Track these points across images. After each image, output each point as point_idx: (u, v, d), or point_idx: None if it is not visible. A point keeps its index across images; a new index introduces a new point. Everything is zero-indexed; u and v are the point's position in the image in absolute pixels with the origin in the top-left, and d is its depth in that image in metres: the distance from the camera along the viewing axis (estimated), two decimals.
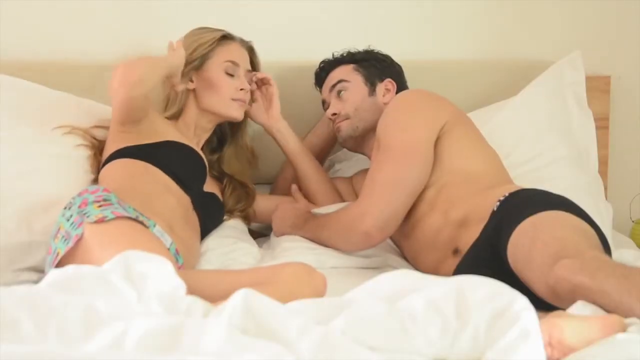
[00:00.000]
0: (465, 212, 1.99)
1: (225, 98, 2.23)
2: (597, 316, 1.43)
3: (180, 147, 2.12)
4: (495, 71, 2.69)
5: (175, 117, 2.25)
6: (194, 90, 2.24)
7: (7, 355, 1.10)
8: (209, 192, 2.21)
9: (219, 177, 2.35)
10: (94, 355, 1.18)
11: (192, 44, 2.23)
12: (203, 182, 2.20)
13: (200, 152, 2.21)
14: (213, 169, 2.34)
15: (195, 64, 2.22)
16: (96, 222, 1.76)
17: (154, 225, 1.87)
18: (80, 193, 1.90)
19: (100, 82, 2.45)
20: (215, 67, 2.23)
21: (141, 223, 1.82)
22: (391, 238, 2.23)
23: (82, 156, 2.20)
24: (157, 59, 2.12)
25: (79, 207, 1.83)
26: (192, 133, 2.25)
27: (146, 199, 1.96)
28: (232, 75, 2.24)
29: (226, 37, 2.27)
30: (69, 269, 1.44)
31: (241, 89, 2.24)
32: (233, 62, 2.24)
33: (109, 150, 2.11)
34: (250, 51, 2.34)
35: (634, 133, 2.83)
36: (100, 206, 1.80)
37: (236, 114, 2.25)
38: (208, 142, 2.33)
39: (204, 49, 2.23)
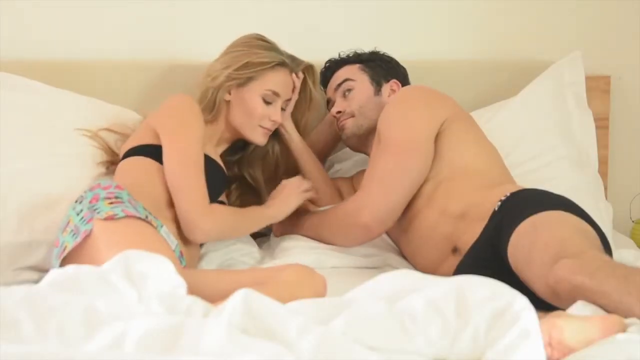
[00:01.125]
0: (464, 207, 1.99)
1: (254, 123, 2.21)
2: (597, 316, 1.43)
3: (206, 161, 2.07)
4: (495, 71, 2.69)
5: (206, 122, 2.19)
6: (228, 102, 2.22)
7: (7, 355, 1.10)
8: (218, 201, 2.19)
9: (231, 179, 2.34)
10: (94, 355, 1.18)
11: (243, 58, 2.19)
12: (220, 194, 2.18)
13: (221, 164, 2.20)
14: (230, 168, 2.33)
15: (239, 81, 2.19)
16: (106, 219, 1.76)
17: (161, 226, 1.87)
18: (92, 187, 1.90)
19: (105, 81, 2.47)
20: (256, 91, 2.19)
21: (149, 223, 1.82)
22: (389, 235, 2.24)
23: (84, 155, 2.20)
24: (247, 220, 2.11)
25: (90, 202, 1.83)
26: (216, 141, 2.24)
27: (157, 202, 1.96)
28: (269, 103, 2.21)
29: (280, 64, 2.22)
30: (69, 269, 1.44)
31: (272, 120, 2.22)
32: (274, 92, 2.21)
33: (133, 142, 2.09)
34: (307, 72, 2.31)
35: (634, 133, 2.83)
36: (111, 203, 1.80)
37: (259, 139, 2.24)
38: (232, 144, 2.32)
39: (252, 70, 2.19)
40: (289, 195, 2.18)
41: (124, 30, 2.55)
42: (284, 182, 2.23)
